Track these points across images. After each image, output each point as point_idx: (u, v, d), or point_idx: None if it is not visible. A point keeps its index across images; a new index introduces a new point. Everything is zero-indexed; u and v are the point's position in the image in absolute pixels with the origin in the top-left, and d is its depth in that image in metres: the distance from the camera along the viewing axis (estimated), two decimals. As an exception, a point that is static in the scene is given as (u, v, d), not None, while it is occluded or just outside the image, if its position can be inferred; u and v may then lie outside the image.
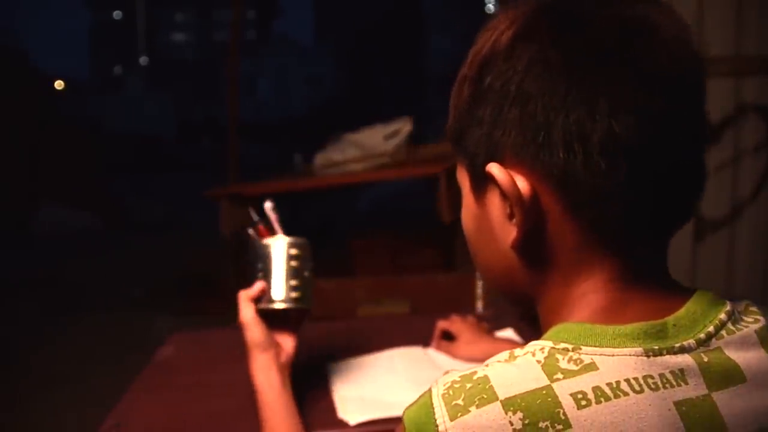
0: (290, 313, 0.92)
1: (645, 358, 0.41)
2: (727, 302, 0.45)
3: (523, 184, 0.44)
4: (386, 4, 32.55)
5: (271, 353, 0.86)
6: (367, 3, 32.81)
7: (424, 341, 1.16)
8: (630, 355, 0.40)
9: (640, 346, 0.41)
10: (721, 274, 2.13)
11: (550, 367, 0.40)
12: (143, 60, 41.88)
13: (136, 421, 0.95)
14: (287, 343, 0.90)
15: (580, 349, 0.41)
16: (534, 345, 0.43)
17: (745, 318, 0.45)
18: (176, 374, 1.11)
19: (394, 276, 3.11)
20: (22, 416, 2.79)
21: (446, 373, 0.43)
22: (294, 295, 0.89)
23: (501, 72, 0.45)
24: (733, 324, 0.44)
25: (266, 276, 0.90)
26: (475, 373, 0.41)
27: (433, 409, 0.40)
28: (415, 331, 1.21)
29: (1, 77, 7.72)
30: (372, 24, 32.32)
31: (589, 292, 0.45)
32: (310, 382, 0.91)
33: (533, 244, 0.46)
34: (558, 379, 0.39)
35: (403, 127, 3.57)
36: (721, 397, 0.41)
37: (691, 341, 0.42)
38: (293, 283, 0.90)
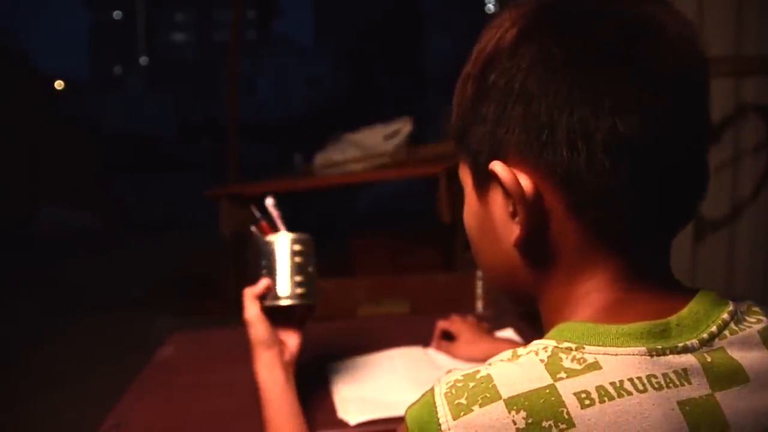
0: (295, 309, 0.92)
1: (648, 357, 0.40)
2: (730, 302, 0.45)
3: (526, 182, 0.44)
4: (386, 4, 32.56)
5: (275, 350, 0.86)
6: (367, 3, 32.82)
7: (424, 341, 1.16)
8: (633, 354, 0.40)
9: (643, 346, 0.41)
10: (721, 274, 2.13)
11: (553, 366, 0.40)
12: (143, 60, 41.89)
13: (136, 421, 0.95)
14: (291, 340, 0.90)
15: (584, 348, 0.41)
16: (537, 344, 0.43)
17: (748, 318, 0.45)
18: (176, 374, 1.11)
19: (394, 276, 3.11)
20: (22, 416, 2.79)
21: (449, 372, 0.43)
22: (299, 291, 0.89)
23: (505, 70, 0.44)
24: (736, 324, 0.44)
25: (270, 273, 0.89)
26: (478, 372, 0.41)
27: (436, 408, 0.40)
28: (415, 331, 1.21)
29: (1, 77, 7.72)
30: (372, 24, 32.33)
31: (592, 291, 0.45)
32: (310, 382, 0.91)
33: (536, 243, 0.46)
34: (561, 378, 0.39)
35: (403, 127, 3.57)
36: (724, 397, 0.41)
37: (695, 341, 0.42)
38: (298, 279, 0.89)
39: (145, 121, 23.76)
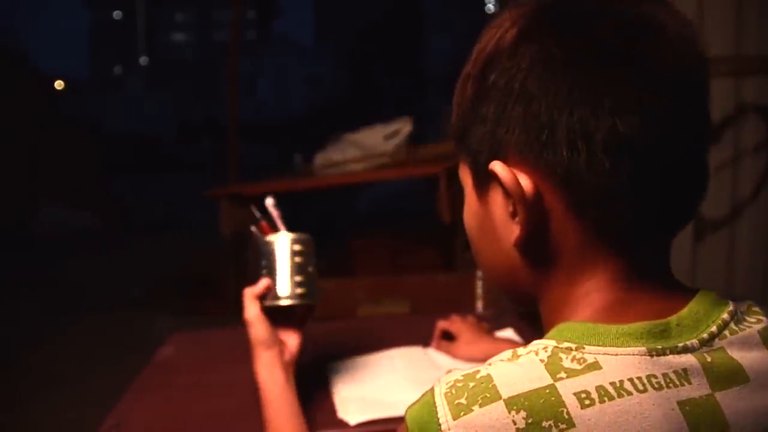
0: (295, 309, 0.92)
1: (648, 357, 0.40)
2: (730, 302, 0.45)
3: (526, 182, 0.44)
4: (386, 4, 32.56)
5: (276, 350, 0.86)
6: (367, 3, 32.82)
7: (424, 341, 1.16)
8: (633, 354, 0.40)
9: (643, 346, 0.41)
10: (721, 274, 2.13)
11: (553, 366, 0.40)
12: (143, 60, 41.89)
13: (136, 421, 0.95)
14: (292, 340, 0.90)
15: (584, 348, 0.41)
16: (537, 344, 0.43)
17: (748, 318, 0.45)
18: (176, 374, 1.11)
19: (394, 276, 3.11)
20: (22, 416, 2.79)
21: (449, 372, 0.43)
22: (299, 291, 0.89)
23: (505, 70, 0.44)
24: (736, 324, 0.44)
25: (270, 273, 0.89)
26: (478, 372, 0.41)
27: (436, 408, 0.40)
28: (415, 331, 1.21)
29: (1, 77, 7.72)
30: (372, 24, 32.33)
31: (592, 291, 0.45)
32: (310, 382, 0.91)
33: (536, 243, 0.46)
34: (561, 378, 0.39)
35: (403, 127, 3.57)
36: (724, 397, 0.41)
37: (695, 341, 0.42)
38: (298, 278, 0.89)
39: (145, 121, 23.76)
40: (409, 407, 0.43)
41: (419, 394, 0.43)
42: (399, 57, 31.44)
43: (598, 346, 0.41)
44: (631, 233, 0.44)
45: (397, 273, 3.27)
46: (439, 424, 0.39)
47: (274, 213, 0.94)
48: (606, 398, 0.38)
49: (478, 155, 0.47)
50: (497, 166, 0.45)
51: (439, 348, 1.14)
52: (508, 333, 1.21)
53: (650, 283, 0.45)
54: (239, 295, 0.88)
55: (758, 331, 0.44)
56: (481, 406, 0.39)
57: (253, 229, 0.94)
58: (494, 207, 0.47)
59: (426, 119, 5.72)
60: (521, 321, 1.26)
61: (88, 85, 35.63)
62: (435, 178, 3.05)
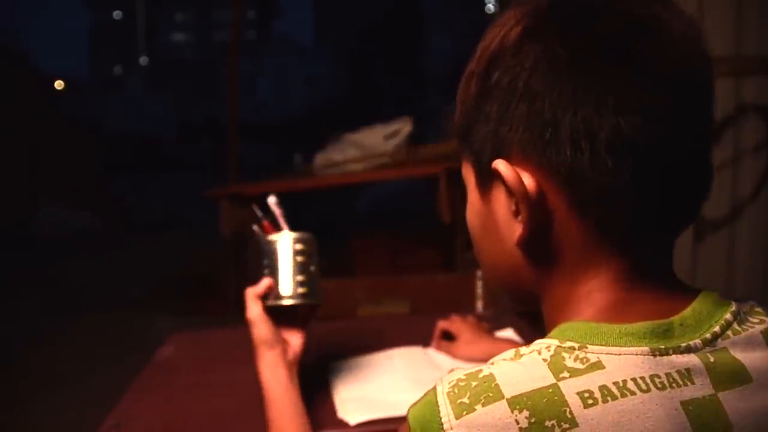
0: (298, 309, 0.91)
1: (651, 357, 0.40)
2: (733, 303, 0.45)
3: (529, 181, 0.44)
4: (386, 4, 32.55)
5: (279, 350, 0.86)
6: (367, 3, 32.81)
7: (424, 341, 1.16)
8: (636, 354, 0.40)
9: (646, 346, 0.41)
10: (721, 274, 2.13)
11: (556, 366, 0.40)
12: (143, 60, 41.88)
13: (136, 421, 0.95)
14: (295, 339, 0.90)
15: (587, 347, 0.41)
16: (540, 343, 0.43)
17: (751, 318, 0.45)
18: (176, 374, 1.11)
19: (394, 276, 3.11)
20: (22, 416, 2.79)
21: (451, 371, 0.42)
22: (301, 290, 0.89)
23: (509, 68, 0.44)
24: (739, 324, 0.44)
25: (272, 272, 0.89)
26: (481, 371, 0.41)
27: (438, 407, 0.40)
28: (415, 331, 1.21)
29: (1, 77, 7.72)
30: (372, 24, 32.32)
31: (595, 290, 0.45)
32: (310, 382, 0.91)
33: (539, 242, 0.45)
34: (564, 378, 0.39)
35: (403, 127, 3.58)
36: (727, 398, 0.40)
37: (697, 341, 0.42)
38: (300, 278, 0.89)
39: (145, 121, 23.76)
40: (412, 406, 0.43)
41: (419, 394, 0.43)
42: (399, 57, 31.43)
43: (601, 345, 0.41)
44: (634, 233, 0.44)
45: (397, 273, 3.27)
46: (442, 424, 0.39)
47: (277, 212, 0.94)
48: (609, 398, 0.38)
49: (481, 153, 0.47)
50: (500, 165, 0.44)
51: (439, 348, 1.14)
52: (508, 333, 1.21)
53: (653, 283, 0.45)
54: (239, 295, 0.88)
55: (761, 332, 0.44)
56: (483, 405, 0.39)
57: (255, 228, 0.93)
58: (497, 206, 0.47)
59: (426, 119, 5.72)
60: (521, 321, 1.26)
61: (88, 85, 35.62)
62: (435, 178, 3.06)
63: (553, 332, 0.44)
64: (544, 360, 0.41)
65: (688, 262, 2.09)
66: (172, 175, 12.75)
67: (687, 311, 0.44)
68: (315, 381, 1.01)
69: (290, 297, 0.88)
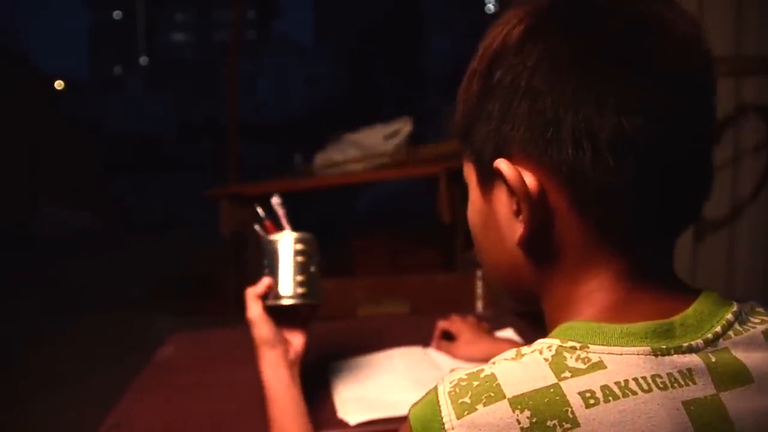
0: (299, 309, 0.91)
1: (653, 357, 0.40)
2: (734, 303, 0.45)
3: (530, 180, 0.44)
4: (386, 4, 32.56)
5: (280, 350, 0.86)
6: (367, 3, 32.81)
7: (424, 341, 1.16)
8: (638, 354, 0.40)
9: (648, 345, 0.41)
10: (721, 274, 2.13)
11: (557, 366, 0.40)
12: (143, 60, 41.88)
13: (136, 421, 0.95)
14: (296, 339, 0.89)
15: (588, 347, 0.41)
16: (541, 343, 0.42)
17: (752, 319, 0.45)
18: (176, 374, 1.11)
19: (394, 276, 3.11)
20: (22, 416, 2.79)
21: (452, 371, 0.42)
22: (301, 290, 0.89)
23: (511, 67, 0.44)
24: (740, 324, 0.44)
25: (272, 272, 0.89)
26: (482, 370, 0.41)
27: (439, 407, 0.40)
28: (415, 331, 1.21)
29: (1, 77, 7.72)
30: (372, 24, 32.33)
31: (596, 290, 0.45)
32: (310, 382, 0.91)
33: (540, 242, 0.45)
34: (566, 378, 0.39)
35: (403, 127, 3.58)
36: (728, 398, 0.40)
37: (699, 341, 0.42)
38: (300, 278, 0.89)
39: (145, 121, 23.75)
40: (413, 406, 0.42)
41: (419, 394, 0.43)
42: (399, 57, 31.43)
43: (603, 345, 0.41)
44: (635, 232, 0.44)
45: (397, 273, 3.27)
46: (443, 423, 0.39)
47: (280, 212, 0.94)
48: (611, 398, 0.38)
49: (482, 152, 0.47)
50: (502, 164, 0.44)
51: (439, 348, 1.14)
52: (508, 333, 1.21)
53: (654, 283, 0.45)
54: (239, 295, 0.88)
55: (762, 332, 0.44)
56: (485, 405, 0.39)
57: (257, 227, 0.94)
58: (498, 205, 0.47)
59: (426, 119, 5.72)
60: (521, 321, 1.26)
61: (88, 85, 35.61)
62: (435, 178, 3.06)
63: (555, 332, 0.44)
64: (546, 360, 0.41)
65: (688, 262, 2.09)
66: (172, 175, 12.75)
67: (688, 311, 0.43)
68: (315, 381, 1.01)
69: (290, 297, 0.88)
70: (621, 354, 0.40)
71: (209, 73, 34.00)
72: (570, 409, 0.38)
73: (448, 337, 1.15)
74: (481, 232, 0.51)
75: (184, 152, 17.72)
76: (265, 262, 0.90)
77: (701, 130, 0.44)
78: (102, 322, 3.97)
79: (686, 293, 0.45)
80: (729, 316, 0.44)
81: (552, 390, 0.39)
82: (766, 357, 0.43)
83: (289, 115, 26.49)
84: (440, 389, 0.41)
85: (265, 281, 0.88)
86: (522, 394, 0.39)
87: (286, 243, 0.90)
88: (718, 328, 0.43)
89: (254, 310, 0.86)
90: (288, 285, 0.89)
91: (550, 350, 0.41)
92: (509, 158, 0.45)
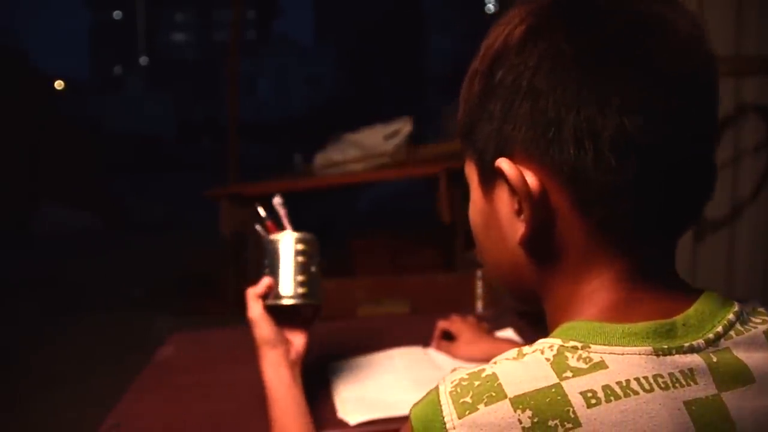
0: (300, 309, 0.91)
1: (655, 357, 0.40)
2: (735, 303, 0.45)
3: (532, 179, 0.44)
4: (386, 4, 32.55)
5: (281, 350, 0.86)
6: (367, 3, 32.81)
7: (424, 341, 1.16)
8: (640, 354, 0.40)
9: (649, 345, 0.41)
10: (721, 274, 2.13)
11: (559, 365, 0.40)
12: (143, 60, 41.88)
13: (136, 421, 0.95)
14: (297, 339, 0.89)
15: (590, 347, 0.41)
16: (543, 343, 0.42)
17: (753, 319, 0.45)
18: (176, 374, 1.11)
19: (394, 276, 3.10)
20: (22, 416, 2.79)
21: (453, 370, 0.42)
22: (301, 290, 0.89)
23: (513, 66, 0.44)
24: (742, 325, 0.44)
25: (273, 272, 0.89)
26: (483, 370, 0.41)
27: (441, 406, 0.40)
28: (415, 331, 1.20)
29: (1, 77, 7.72)
30: (372, 24, 32.32)
31: (598, 290, 0.45)
32: (310, 382, 0.91)
33: (541, 241, 0.45)
34: (567, 378, 0.39)
35: (403, 127, 3.58)
36: (730, 398, 0.40)
37: (700, 341, 0.42)
38: (300, 278, 0.89)
39: (145, 121, 23.74)
40: (414, 406, 0.42)
41: (419, 394, 0.43)
42: (399, 57, 31.43)
43: (604, 345, 0.41)
44: (637, 232, 0.44)
45: (397, 273, 3.27)
46: (444, 423, 0.39)
47: (281, 212, 0.94)
48: (612, 398, 0.38)
49: (484, 152, 0.47)
50: (503, 163, 0.44)
51: (439, 348, 1.14)
52: (508, 333, 1.21)
53: (655, 283, 0.45)
54: (239, 295, 0.88)
55: (764, 332, 0.44)
56: (486, 404, 0.39)
57: (258, 227, 0.94)
58: (500, 204, 0.47)
59: (426, 119, 5.72)
60: (521, 321, 1.26)
61: (88, 85, 35.60)
62: (435, 178, 3.06)
63: (556, 331, 0.44)
64: (547, 359, 0.41)
65: (688, 262, 2.09)
66: (172, 175, 12.75)
67: (690, 311, 0.43)
68: (315, 381, 1.01)
69: (290, 297, 0.88)
70: (622, 354, 0.40)
71: (209, 73, 34.00)
72: (571, 409, 0.38)
73: (448, 337, 1.15)
74: (482, 231, 0.51)
75: (184, 152, 17.71)
76: (265, 261, 0.90)
77: (704, 130, 0.44)
78: (102, 322, 3.97)
79: (688, 293, 0.45)
80: (730, 316, 0.44)
81: (553, 390, 0.39)
82: (767, 357, 0.43)
83: (289, 115, 26.48)
84: (441, 389, 0.41)
85: (266, 281, 0.88)
86: (523, 394, 0.38)
87: (287, 243, 0.90)
88: (720, 328, 0.43)
89: (255, 309, 0.86)
90: (289, 285, 0.89)
91: (552, 350, 0.41)
92: (511, 158, 0.45)
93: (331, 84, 33.87)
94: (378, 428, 0.90)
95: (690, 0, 1.96)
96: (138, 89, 33.92)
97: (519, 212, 0.45)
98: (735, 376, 0.41)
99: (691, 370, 0.41)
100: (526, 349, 0.42)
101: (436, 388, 0.42)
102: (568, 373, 0.39)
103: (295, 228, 0.93)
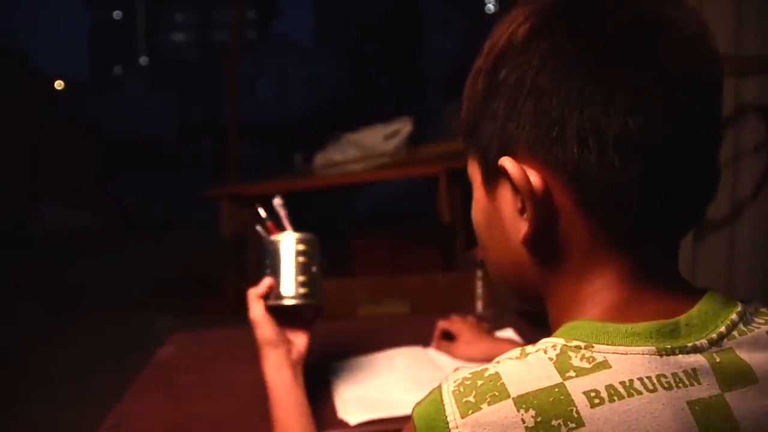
0: (301, 309, 0.91)
1: (658, 357, 0.40)
2: (738, 303, 0.45)
3: (535, 178, 0.43)
4: (386, 4, 32.55)
5: (283, 350, 0.85)
6: (367, 3, 32.81)
7: (424, 341, 1.16)
8: (643, 353, 0.40)
9: (653, 345, 0.41)
10: (721, 274, 2.13)
11: (562, 365, 0.40)
12: (143, 60, 41.89)
13: (136, 421, 0.95)
14: (299, 339, 0.89)
15: (593, 347, 0.41)
16: (546, 342, 0.42)
17: (756, 319, 0.45)
18: (176, 374, 1.11)
19: (394, 276, 3.10)
20: (22, 416, 2.79)
21: (456, 370, 0.42)
22: (302, 291, 0.89)
23: (516, 65, 0.44)
24: (745, 325, 0.44)
25: (274, 272, 0.89)
26: (486, 369, 0.41)
27: (444, 405, 0.40)
28: (415, 331, 1.20)
29: (1, 77, 7.72)
30: (372, 24, 32.33)
31: (601, 290, 0.45)
32: (310, 382, 0.91)
33: (544, 240, 0.45)
34: (571, 377, 0.39)
35: (403, 127, 3.58)
36: (733, 398, 0.40)
37: (704, 341, 0.42)
38: (301, 278, 0.89)
39: (145, 121, 23.71)
40: (417, 405, 0.42)
41: (420, 394, 0.43)
42: (399, 57, 31.43)
43: (608, 345, 0.41)
44: (640, 232, 0.44)
45: (397, 273, 3.27)
46: (447, 422, 0.39)
47: (282, 212, 0.94)
48: (616, 397, 0.38)
49: (487, 151, 0.47)
50: (507, 162, 0.44)
51: (439, 348, 1.14)
52: (508, 333, 1.21)
53: (658, 283, 0.45)
54: (239, 295, 0.88)
55: (767, 332, 0.44)
56: (489, 404, 0.39)
57: (258, 228, 0.94)
58: (503, 203, 0.47)
59: (426, 119, 5.72)
60: (521, 320, 1.26)
61: (88, 85, 35.64)
62: (435, 178, 3.05)
63: (559, 331, 0.44)
64: (551, 359, 0.40)
65: (688, 262, 2.09)
66: (172, 175, 12.75)
67: (693, 311, 0.43)
68: (315, 381, 1.01)
69: (291, 297, 0.88)
70: (626, 354, 0.40)
71: (209, 73, 34.01)
72: (575, 409, 0.38)
73: (448, 337, 1.15)
74: (485, 230, 0.51)
75: (184, 152, 17.72)
76: (266, 262, 0.90)
77: (708, 130, 0.44)
78: (102, 322, 3.97)
79: (691, 293, 0.45)
80: (733, 316, 0.44)
81: (557, 389, 0.38)
82: None
83: (289, 115, 26.48)
84: (444, 388, 0.41)
85: (267, 281, 0.88)
86: (527, 394, 0.38)
87: (288, 243, 0.90)
88: (723, 329, 0.43)
89: (256, 310, 0.86)
90: (289, 285, 0.89)
91: (555, 349, 0.41)
92: (514, 156, 0.45)
93: (331, 84, 33.88)
94: (378, 428, 0.90)
95: (690, 0, 1.96)
96: (138, 89, 33.91)
97: (522, 211, 0.45)
98: (738, 377, 0.41)
99: (694, 370, 0.40)
100: (529, 348, 0.42)
101: (439, 387, 0.41)
102: (572, 373, 0.39)
103: (296, 228, 0.93)
